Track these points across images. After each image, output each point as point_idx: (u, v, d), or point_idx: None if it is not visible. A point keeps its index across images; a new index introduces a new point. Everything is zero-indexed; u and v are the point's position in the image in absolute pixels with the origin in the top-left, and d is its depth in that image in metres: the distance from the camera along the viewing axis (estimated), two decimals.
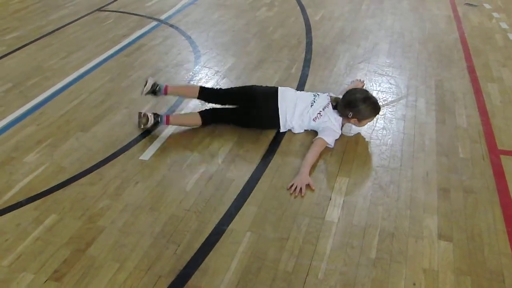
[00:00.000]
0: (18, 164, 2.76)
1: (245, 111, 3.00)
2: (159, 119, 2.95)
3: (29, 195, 2.52)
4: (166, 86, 3.12)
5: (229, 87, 3.29)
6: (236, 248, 2.17)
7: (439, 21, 4.84)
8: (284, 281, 2.02)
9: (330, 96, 3.01)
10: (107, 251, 2.16)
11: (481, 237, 2.24)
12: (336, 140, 2.88)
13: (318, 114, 2.92)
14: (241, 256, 2.13)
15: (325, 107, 2.93)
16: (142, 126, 2.94)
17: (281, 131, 3.01)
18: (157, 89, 3.09)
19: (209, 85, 3.56)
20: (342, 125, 2.98)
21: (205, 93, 3.12)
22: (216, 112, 3.07)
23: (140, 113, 2.95)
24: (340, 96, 2.95)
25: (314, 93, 3.06)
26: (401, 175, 2.64)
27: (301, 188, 2.52)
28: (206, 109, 3.09)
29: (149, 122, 2.92)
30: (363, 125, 2.97)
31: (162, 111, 3.25)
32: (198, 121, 3.02)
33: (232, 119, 3.05)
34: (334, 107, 2.93)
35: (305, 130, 3.01)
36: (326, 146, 2.82)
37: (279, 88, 3.04)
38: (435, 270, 2.07)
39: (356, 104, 2.84)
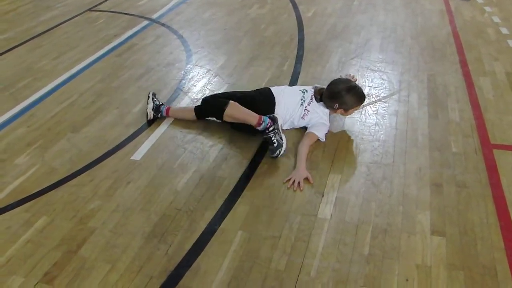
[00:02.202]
0: (9, 167, 2.74)
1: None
2: (160, 112, 3.12)
3: (19, 197, 2.50)
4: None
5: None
6: (227, 248, 2.16)
7: (431, 16, 4.82)
8: (276, 279, 2.01)
9: (315, 87, 3.03)
10: (98, 252, 2.15)
11: (474, 231, 2.23)
12: (326, 134, 2.88)
13: (305, 111, 2.93)
14: (233, 255, 2.12)
15: (309, 103, 2.95)
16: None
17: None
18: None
19: (200, 84, 3.56)
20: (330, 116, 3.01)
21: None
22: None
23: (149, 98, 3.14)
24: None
25: (301, 89, 3.04)
26: (394, 171, 2.63)
27: (299, 182, 2.52)
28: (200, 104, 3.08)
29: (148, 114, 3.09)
30: (350, 114, 2.99)
31: None
32: (192, 115, 3.06)
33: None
34: (320, 100, 2.95)
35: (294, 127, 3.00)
36: (318, 140, 2.84)
37: (272, 90, 3.00)
38: (428, 265, 2.06)
39: (341, 95, 2.86)
